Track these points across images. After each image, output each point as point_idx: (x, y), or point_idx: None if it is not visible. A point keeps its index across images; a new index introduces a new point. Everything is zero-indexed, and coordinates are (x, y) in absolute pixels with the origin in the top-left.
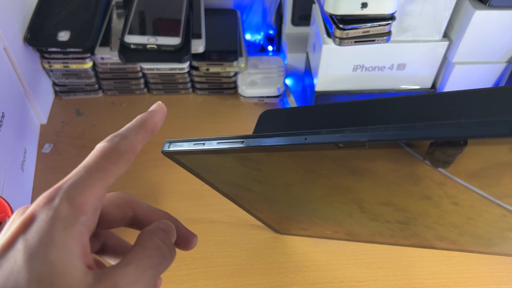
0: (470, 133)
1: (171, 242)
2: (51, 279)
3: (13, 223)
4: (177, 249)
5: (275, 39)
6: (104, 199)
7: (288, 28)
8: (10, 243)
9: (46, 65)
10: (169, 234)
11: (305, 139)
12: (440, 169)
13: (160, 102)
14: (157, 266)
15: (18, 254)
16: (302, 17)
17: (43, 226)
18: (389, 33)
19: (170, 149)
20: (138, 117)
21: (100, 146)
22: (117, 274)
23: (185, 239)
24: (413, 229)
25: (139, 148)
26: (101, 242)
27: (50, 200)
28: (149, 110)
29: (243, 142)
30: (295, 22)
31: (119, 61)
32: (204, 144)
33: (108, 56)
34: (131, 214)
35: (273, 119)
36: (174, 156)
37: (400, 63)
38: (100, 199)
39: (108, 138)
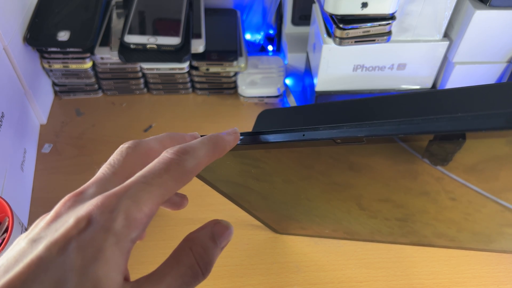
0: (467, 127)
1: (208, 259)
2: None
3: (61, 214)
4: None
5: (275, 39)
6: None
7: (288, 28)
8: (63, 246)
9: (46, 65)
10: (212, 248)
11: (303, 135)
12: (438, 166)
13: (236, 128)
14: (187, 285)
15: (68, 262)
16: (302, 17)
17: (96, 237)
18: (389, 33)
19: None
20: (213, 138)
21: (167, 158)
22: None
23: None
24: (412, 226)
25: (201, 170)
26: None
27: (108, 209)
28: (223, 133)
29: (241, 139)
30: (295, 22)
31: (119, 61)
32: None
33: (108, 56)
34: None
35: (271, 118)
36: None
37: (400, 63)
38: (152, 216)
39: (177, 150)
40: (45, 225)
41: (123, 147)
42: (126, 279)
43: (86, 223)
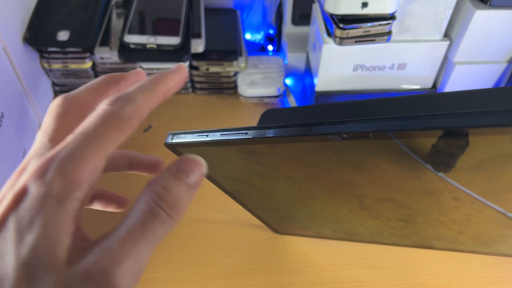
0: (474, 123)
1: (173, 199)
2: (35, 263)
3: (5, 196)
4: (175, 250)
5: (275, 39)
6: (102, 170)
7: (288, 27)
8: (2, 221)
9: (46, 65)
10: (176, 185)
11: (309, 129)
12: (440, 173)
13: (182, 64)
14: (152, 232)
15: (8, 235)
16: (302, 17)
17: (34, 204)
18: (389, 33)
19: (173, 141)
20: (152, 77)
21: (102, 110)
22: (102, 252)
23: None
24: (414, 228)
25: (145, 115)
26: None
27: (42, 173)
28: (167, 71)
29: (246, 133)
30: (295, 21)
31: (118, 61)
32: (207, 136)
33: (108, 56)
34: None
35: (275, 117)
36: (176, 148)
37: (401, 63)
38: (97, 171)
39: (111, 99)
40: None
41: (51, 107)
42: (85, 239)
43: (23, 195)
